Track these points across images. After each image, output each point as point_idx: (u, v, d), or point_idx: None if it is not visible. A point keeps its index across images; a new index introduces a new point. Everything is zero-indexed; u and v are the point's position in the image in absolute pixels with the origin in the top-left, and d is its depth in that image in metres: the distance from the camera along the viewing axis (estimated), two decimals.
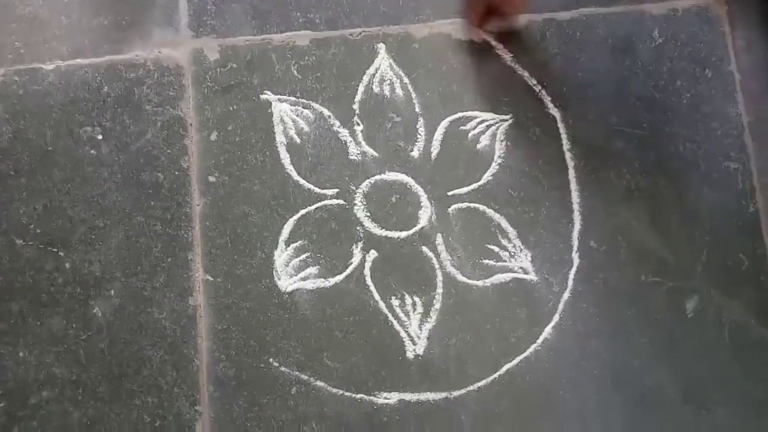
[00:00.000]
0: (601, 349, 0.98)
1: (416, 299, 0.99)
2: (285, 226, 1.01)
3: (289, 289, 0.99)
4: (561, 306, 0.99)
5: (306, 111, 1.05)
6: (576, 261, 1.01)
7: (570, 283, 1.00)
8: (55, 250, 0.98)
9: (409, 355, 0.97)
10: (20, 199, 1.00)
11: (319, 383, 0.96)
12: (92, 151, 1.02)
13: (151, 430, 0.93)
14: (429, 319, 0.99)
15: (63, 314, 0.97)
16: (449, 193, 1.02)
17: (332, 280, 1.00)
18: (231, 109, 1.04)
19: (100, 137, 1.02)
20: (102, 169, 1.01)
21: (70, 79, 1.04)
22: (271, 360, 0.96)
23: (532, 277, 1.00)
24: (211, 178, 1.02)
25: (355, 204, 1.02)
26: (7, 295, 0.97)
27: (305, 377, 0.96)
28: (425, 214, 1.02)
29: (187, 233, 1.00)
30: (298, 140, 1.04)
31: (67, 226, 0.99)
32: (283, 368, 0.96)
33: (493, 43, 1.08)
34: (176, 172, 1.02)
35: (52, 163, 1.01)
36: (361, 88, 1.06)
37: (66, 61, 1.04)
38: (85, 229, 0.99)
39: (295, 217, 1.01)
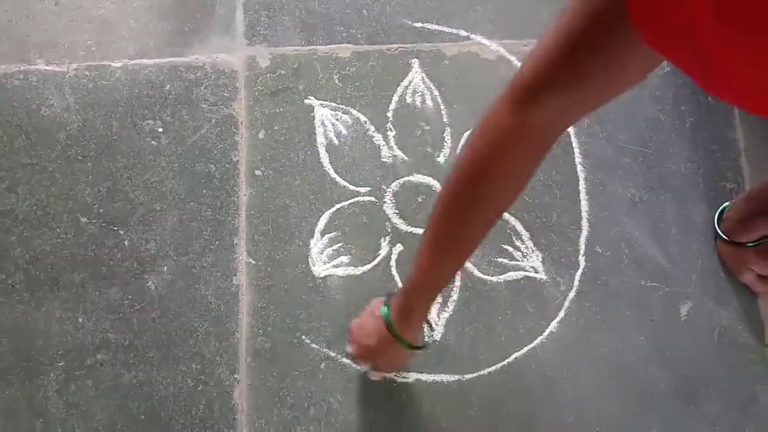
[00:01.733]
0: (601, 344, 1.08)
1: None
2: (321, 218, 1.12)
3: (322, 274, 1.10)
4: (567, 303, 1.09)
5: (345, 116, 1.16)
6: (582, 264, 1.11)
7: (576, 283, 1.10)
8: (115, 228, 1.10)
9: (428, 339, 1.08)
10: (86, 182, 1.11)
11: (346, 360, 1.06)
12: (153, 142, 1.13)
13: (194, 393, 1.04)
14: (447, 309, 1.09)
15: (120, 286, 1.08)
16: None
17: (361, 269, 1.10)
18: (278, 111, 1.16)
19: (160, 130, 1.14)
20: (161, 158, 1.13)
21: (136, 77, 1.16)
22: (303, 337, 1.07)
23: (541, 276, 1.11)
24: (257, 172, 1.13)
25: (385, 201, 1.13)
26: (70, 266, 1.08)
27: (333, 354, 1.06)
28: None
29: (233, 220, 1.11)
30: (336, 142, 1.15)
31: (128, 207, 1.11)
32: (314, 345, 1.07)
33: (516, 63, 1.19)
34: (226, 165, 1.13)
35: (116, 150, 1.13)
36: (395, 98, 1.17)
37: (132, 60, 1.16)
38: (144, 211, 1.11)
39: (331, 210, 1.12)
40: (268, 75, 1.17)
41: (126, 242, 1.09)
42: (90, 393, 1.04)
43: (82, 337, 1.06)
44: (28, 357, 1.05)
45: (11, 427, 1.02)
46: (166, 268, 1.09)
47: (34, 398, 1.04)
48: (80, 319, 1.07)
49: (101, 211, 1.10)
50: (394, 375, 1.05)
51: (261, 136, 1.15)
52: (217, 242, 1.10)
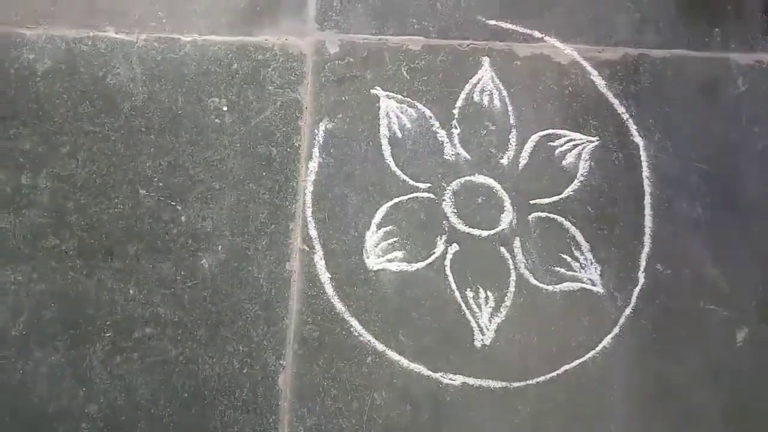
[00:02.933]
0: (653, 363, 1.06)
1: (489, 294, 1.08)
2: (378, 211, 1.10)
3: (376, 268, 1.08)
4: (622, 320, 1.07)
5: (410, 109, 1.14)
6: (641, 280, 1.08)
7: (633, 299, 1.08)
8: (173, 203, 1.09)
9: (477, 343, 1.06)
10: (147, 154, 1.11)
11: (392, 356, 1.05)
12: (217, 120, 1.12)
13: (239, 375, 1.03)
14: (499, 314, 1.07)
15: (173, 261, 1.07)
16: (531, 202, 1.11)
17: (415, 266, 1.09)
18: (343, 99, 1.14)
19: (225, 109, 1.13)
20: (224, 137, 1.12)
21: (205, 53, 1.15)
22: (352, 329, 1.06)
23: (599, 289, 1.08)
24: (319, 159, 1.12)
25: (444, 200, 1.11)
26: (125, 237, 1.08)
27: (380, 349, 1.05)
28: (507, 218, 1.11)
29: (291, 205, 1.10)
30: (399, 135, 1.13)
31: (187, 183, 1.10)
32: (361, 338, 1.05)
33: (589, 69, 1.16)
34: (288, 149, 1.12)
35: (180, 125, 1.12)
36: (462, 95, 1.15)
37: (203, 36, 1.16)
38: (203, 189, 1.10)
39: (389, 204, 1.11)
40: (337, 62, 1.15)
41: (183, 218, 1.09)
42: (135, 366, 1.04)
43: (132, 310, 1.06)
44: (76, 325, 1.05)
45: (54, 393, 1.03)
46: (220, 247, 1.08)
47: (78, 366, 1.04)
48: (131, 291, 1.06)
49: (160, 184, 1.10)
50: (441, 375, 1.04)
51: (324, 122, 1.13)
52: (273, 226, 1.09)
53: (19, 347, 1.04)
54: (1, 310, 1.05)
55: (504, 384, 1.05)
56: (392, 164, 1.12)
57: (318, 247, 1.09)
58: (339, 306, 1.06)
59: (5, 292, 1.06)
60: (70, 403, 1.02)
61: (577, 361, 1.06)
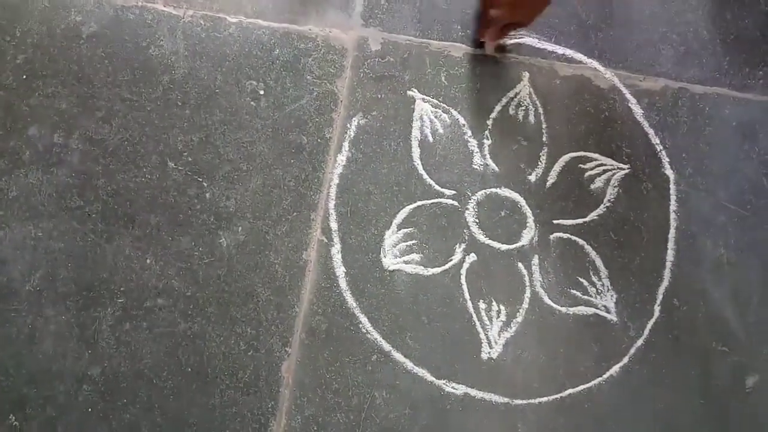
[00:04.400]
0: (659, 398, 1.05)
1: (501, 308, 1.07)
2: (400, 212, 1.11)
3: (391, 268, 1.08)
4: (633, 350, 1.06)
5: (444, 115, 1.14)
6: (656, 313, 1.07)
7: (646, 332, 1.07)
8: (200, 179, 1.10)
9: (484, 356, 1.06)
10: (180, 128, 1.12)
11: (398, 357, 1.05)
12: (252, 103, 1.13)
13: (244, 357, 1.04)
14: (509, 329, 1.07)
15: (193, 236, 1.08)
16: (555, 222, 1.11)
17: (431, 270, 1.09)
18: (379, 96, 1.15)
19: (261, 92, 1.14)
20: (257, 120, 1.13)
21: (248, 36, 1.16)
22: (360, 325, 1.06)
23: (612, 317, 1.07)
24: (348, 153, 1.12)
25: (467, 208, 1.11)
26: (149, 207, 1.09)
27: (387, 348, 1.05)
28: (528, 234, 1.10)
29: (314, 195, 1.10)
30: (431, 139, 1.13)
31: (215, 161, 1.11)
32: (369, 335, 1.05)
33: (628, 96, 1.16)
34: (319, 140, 1.12)
35: (215, 104, 1.13)
36: (498, 107, 1.15)
37: (249, 19, 1.17)
38: (230, 168, 1.11)
39: (412, 206, 1.11)
40: (377, 59, 1.16)
41: (207, 195, 1.09)
42: (143, 335, 1.04)
43: (146, 279, 1.07)
44: (89, 287, 1.06)
45: (59, 352, 1.03)
46: (240, 228, 1.08)
47: (87, 329, 1.05)
48: (148, 260, 1.07)
49: (189, 159, 1.11)
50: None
51: (358, 118, 1.14)
52: (295, 213, 1.09)
53: (31, 302, 1.05)
54: (18, 264, 1.06)
55: (506, 400, 1.04)
56: (420, 167, 1.12)
57: (336, 240, 1.09)
58: (350, 301, 1.06)
59: (24, 247, 1.07)
60: (74, 364, 1.03)
61: (583, 386, 1.05)
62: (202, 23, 1.16)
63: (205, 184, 1.10)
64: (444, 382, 1.04)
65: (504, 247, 1.10)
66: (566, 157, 1.13)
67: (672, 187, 1.12)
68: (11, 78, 1.13)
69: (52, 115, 1.12)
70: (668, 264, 1.09)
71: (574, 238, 1.10)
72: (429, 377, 1.04)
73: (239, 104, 1.13)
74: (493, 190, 1.12)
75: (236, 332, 1.05)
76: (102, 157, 1.11)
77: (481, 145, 1.13)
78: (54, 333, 1.04)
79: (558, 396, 1.04)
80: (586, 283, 1.08)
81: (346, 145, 1.13)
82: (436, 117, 1.14)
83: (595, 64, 1.17)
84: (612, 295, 1.08)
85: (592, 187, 1.12)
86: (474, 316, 1.07)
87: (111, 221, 1.08)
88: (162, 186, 1.10)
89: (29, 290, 1.05)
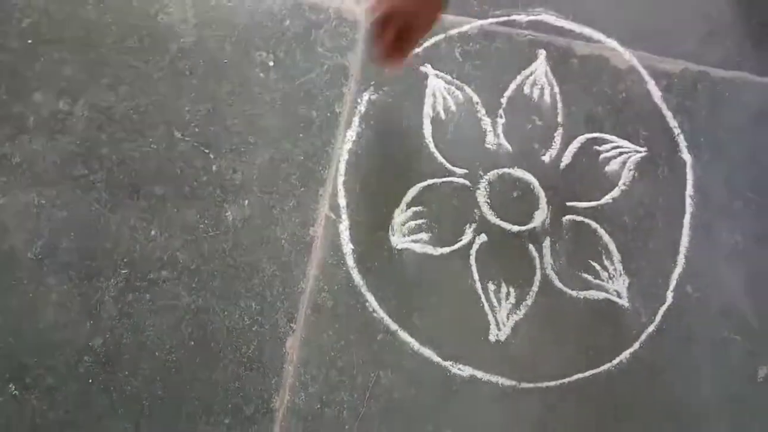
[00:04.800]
0: (669, 386, 1.03)
1: (511, 290, 1.05)
2: (411, 190, 1.08)
3: (400, 246, 1.06)
4: (644, 337, 1.04)
5: (458, 92, 1.12)
6: (669, 299, 1.05)
7: (658, 318, 1.05)
8: (207, 151, 1.08)
9: (491, 338, 1.04)
10: (188, 98, 1.10)
11: (404, 337, 1.03)
12: (261, 75, 1.11)
13: (248, 332, 1.02)
14: (518, 312, 1.05)
15: (199, 209, 1.06)
16: (568, 204, 1.08)
17: (440, 250, 1.07)
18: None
19: (271, 64, 1.11)
20: (265, 92, 1.10)
21: (259, 6, 1.13)
22: (367, 304, 1.04)
23: (624, 302, 1.05)
24: (357, 128, 1.10)
25: (478, 188, 1.09)
26: (154, 177, 1.07)
27: (393, 328, 1.03)
28: (540, 216, 1.08)
29: (323, 170, 1.08)
30: (443, 116, 1.11)
31: (223, 133, 1.09)
32: (375, 314, 1.03)
33: (646, 77, 1.13)
34: (328, 114, 1.10)
35: (223, 74, 1.11)
36: (512, 85, 1.13)
37: None
38: (238, 141, 1.08)
39: (422, 184, 1.09)
40: None
41: (214, 167, 1.07)
42: (146, 307, 1.03)
43: (151, 251, 1.05)
44: (92, 257, 1.04)
45: (60, 322, 1.02)
46: (247, 202, 1.06)
47: (89, 299, 1.03)
48: (153, 232, 1.05)
49: (197, 130, 1.08)
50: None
51: (369, 93, 1.11)
52: (302, 189, 1.07)
53: (33, 271, 1.03)
54: (20, 232, 1.05)
55: (513, 383, 1.02)
56: (431, 145, 1.10)
57: (344, 216, 1.07)
58: (357, 279, 1.04)
59: (27, 215, 1.05)
60: (76, 334, 1.02)
61: (591, 372, 1.03)
62: None
63: (211, 156, 1.08)
64: (450, 363, 1.02)
65: (515, 228, 1.08)
66: (581, 139, 1.10)
67: (689, 171, 1.10)
68: (16, 42, 1.11)
69: (57, 80, 1.09)
70: (683, 250, 1.07)
71: (587, 221, 1.08)
72: (435, 358, 1.02)
73: (248, 75, 1.10)
74: (506, 170, 1.10)
75: (241, 307, 1.03)
76: (107, 125, 1.09)
77: (495, 124, 1.11)
78: (56, 303, 1.03)
79: (566, 381, 1.02)
80: (598, 267, 1.06)
81: (356, 120, 1.10)
82: (449, 94, 1.11)
83: (614, 43, 1.14)
84: (624, 280, 1.06)
85: (607, 169, 1.09)
86: (483, 297, 1.05)
87: (116, 191, 1.06)
88: (168, 157, 1.08)
89: (31, 258, 1.04)
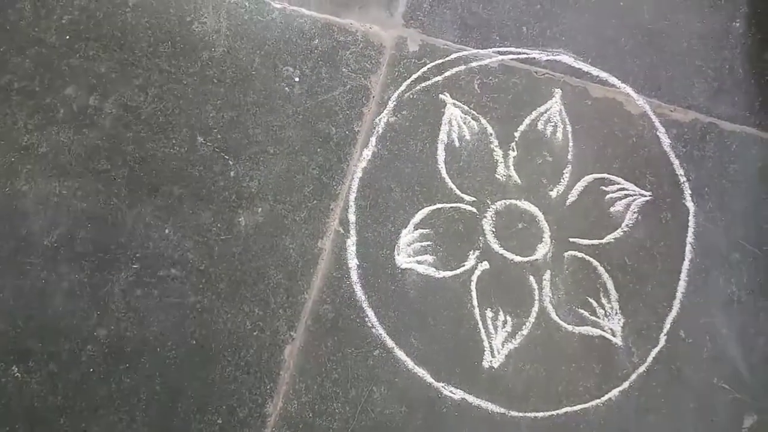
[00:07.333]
0: (654, 427, 1.04)
1: (508, 318, 1.08)
2: (419, 212, 1.11)
3: (404, 266, 1.09)
4: (634, 376, 1.06)
5: (473, 122, 1.15)
6: (662, 342, 1.07)
7: (649, 359, 1.06)
8: (226, 157, 1.11)
9: (485, 364, 1.06)
10: (213, 105, 1.14)
11: (400, 355, 1.05)
12: (286, 89, 1.15)
13: (248, 336, 1.05)
14: (513, 340, 1.07)
15: (213, 212, 1.09)
16: (571, 240, 1.11)
17: (442, 273, 1.09)
18: (411, 96, 1.16)
19: (297, 79, 1.15)
20: (289, 106, 1.14)
21: (290, 23, 1.17)
22: (366, 319, 1.06)
23: (617, 341, 1.07)
24: (374, 149, 1.13)
25: (485, 217, 1.12)
26: (173, 178, 1.10)
27: (390, 345, 1.05)
28: (543, 249, 1.11)
29: (337, 186, 1.11)
30: (457, 144, 1.14)
31: (244, 141, 1.12)
32: (374, 330, 1.06)
33: (657, 125, 1.16)
34: (347, 132, 1.14)
35: (250, 85, 1.15)
36: (527, 120, 1.16)
37: (292, 6, 1.19)
38: (257, 150, 1.12)
39: (431, 207, 1.12)
40: (413, 60, 1.17)
41: (232, 173, 1.11)
42: (153, 302, 1.06)
43: (163, 248, 1.08)
44: (106, 249, 1.08)
45: (68, 309, 1.05)
46: (260, 209, 1.10)
47: (99, 290, 1.06)
48: (167, 231, 1.09)
49: (219, 136, 1.12)
50: None
51: (387, 115, 1.15)
52: (315, 201, 1.11)
53: (48, 257, 1.07)
54: (39, 219, 1.08)
55: (502, 410, 1.04)
56: (443, 170, 1.13)
57: (353, 232, 1.10)
58: (360, 294, 1.07)
59: (47, 203, 1.09)
60: (82, 323, 1.04)
61: (580, 406, 1.05)
62: (246, 5, 1.18)
63: (230, 162, 1.11)
64: (443, 385, 1.04)
65: (517, 258, 1.10)
66: (589, 178, 1.13)
67: (691, 219, 1.12)
68: (55, 37, 1.16)
69: (90, 77, 1.14)
70: (679, 295, 1.09)
71: (588, 258, 1.10)
72: (428, 378, 1.05)
73: (273, 88, 1.14)
74: (513, 201, 1.13)
75: (244, 311, 1.06)
76: (134, 123, 1.12)
77: (506, 156, 1.14)
78: (66, 290, 1.06)
79: (554, 413, 1.04)
80: (595, 304, 1.08)
81: (373, 140, 1.14)
82: (464, 123, 1.15)
83: (628, 89, 1.18)
84: (619, 319, 1.08)
85: (612, 210, 1.12)
86: (480, 323, 1.07)
87: (135, 188, 1.10)
88: (189, 159, 1.11)
89: (47, 245, 1.07)
